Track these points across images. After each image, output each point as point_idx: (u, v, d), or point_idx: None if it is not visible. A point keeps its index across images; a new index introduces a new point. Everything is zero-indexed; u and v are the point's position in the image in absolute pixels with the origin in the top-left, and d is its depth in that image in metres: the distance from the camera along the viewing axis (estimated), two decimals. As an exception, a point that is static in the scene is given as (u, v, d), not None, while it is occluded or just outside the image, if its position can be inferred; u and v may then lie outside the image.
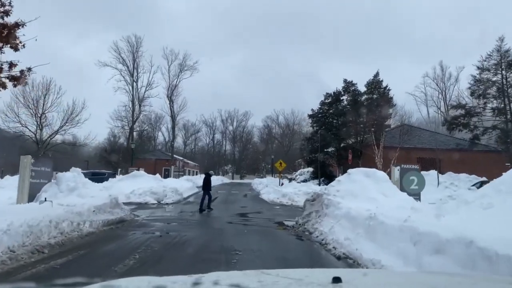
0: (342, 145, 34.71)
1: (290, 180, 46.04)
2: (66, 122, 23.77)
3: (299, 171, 45.91)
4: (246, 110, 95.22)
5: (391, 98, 33.03)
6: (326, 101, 34.88)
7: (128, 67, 51.83)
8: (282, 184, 32.18)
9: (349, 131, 33.23)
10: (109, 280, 1.52)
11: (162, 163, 56.23)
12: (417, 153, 34.82)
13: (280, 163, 31.04)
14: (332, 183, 12.84)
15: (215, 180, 52.38)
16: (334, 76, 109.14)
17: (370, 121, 32.52)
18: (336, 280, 1.42)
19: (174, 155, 64.50)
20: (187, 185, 29.21)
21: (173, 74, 53.32)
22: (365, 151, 33.59)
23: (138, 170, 26.32)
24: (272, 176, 48.75)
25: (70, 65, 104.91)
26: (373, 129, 32.41)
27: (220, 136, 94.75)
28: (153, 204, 19.56)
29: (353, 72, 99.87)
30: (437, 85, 66.22)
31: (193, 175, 62.96)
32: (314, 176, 36.29)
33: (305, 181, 36.56)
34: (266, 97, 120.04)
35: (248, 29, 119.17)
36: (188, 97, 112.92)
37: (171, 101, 53.64)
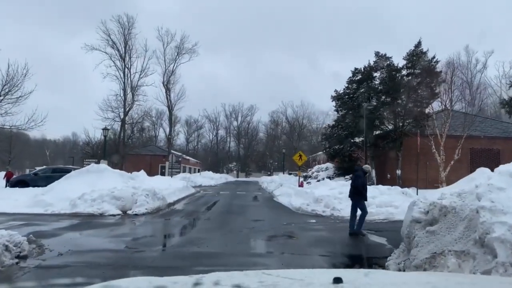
0: (375, 133, 26.83)
1: (306, 177, 38.25)
2: (3, 98, 15.81)
3: (315, 167, 38.05)
4: (252, 104, 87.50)
5: (441, 72, 25.15)
6: (355, 78, 26.99)
7: (119, 51, 43.90)
8: (302, 183, 24.38)
9: (388, 115, 25.35)
10: (110, 281, 1.42)
11: (159, 160, 48.65)
12: (468, 143, 26.94)
13: (300, 155, 23.26)
14: (493, 181, 4.98)
15: (218, 178, 44.79)
16: (341, 70, 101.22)
17: (416, 102, 24.73)
18: (337, 280, 1.36)
19: (174, 151, 56.83)
20: (179, 185, 21.47)
21: (170, 59, 45.52)
22: (408, 140, 25.67)
23: (97, 163, 18.46)
24: (283, 173, 41.05)
25: (61, 60, 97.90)
26: (417, 111, 24.61)
27: (224, 132, 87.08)
28: (113, 215, 11.85)
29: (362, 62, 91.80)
30: (462, 73, 57.93)
31: (194, 173, 55.25)
32: (340, 172, 28.44)
33: (328, 178, 28.68)
34: (273, 91, 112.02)
35: (254, 20, 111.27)
36: (190, 92, 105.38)
37: (167, 89, 45.84)
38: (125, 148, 44.06)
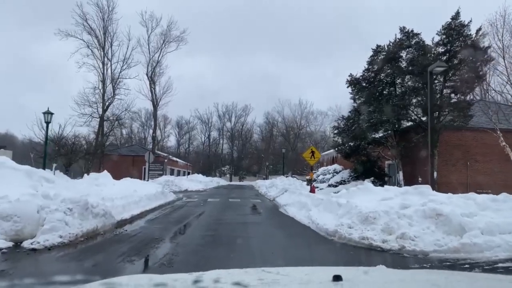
0: (402, 126, 21.01)
1: (309, 181, 32.29)
2: None
3: (321, 169, 32.14)
4: (246, 104, 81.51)
5: (488, 48, 19.48)
6: (377, 58, 21.22)
7: (97, 37, 37.91)
8: (312, 188, 18.41)
9: (420, 102, 19.54)
10: (110, 278, 1.37)
11: (142, 161, 42.40)
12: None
13: (312, 152, 17.34)
14: None
15: (208, 182, 38.57)
16: (341, 68, 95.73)
17: (457, 87, 19.11)
18: (337, 278, 1.33)
19: (161, 152, 50.54)
20: (150, 190, 15.36)
21: (155, 47, 39.50)
22: (446, 134, 19.94)
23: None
24: (286, 175, 35.04)
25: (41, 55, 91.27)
26: (460, 98, 18.98)
27: (216, 134, 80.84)
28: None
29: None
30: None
31: (183, 175, 48.97)
32: (357, 174, 22.47)
33: (343, 182, 22.77)
34: (268, 93, 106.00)
35: (249, 18, 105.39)
36: (181, 92, 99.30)
37: (151, 81, 39.75)
38: (103, 147, 37.99)
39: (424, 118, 19.80)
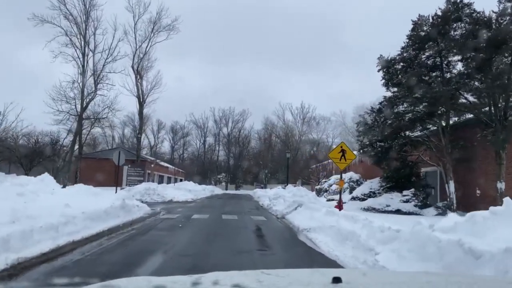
0: (452, 120, 15.64)
1: (320, 192, 26.79)
2: None
3: (333, 178, 26.66)
4: (244, 109, 76.13)
5: None
6: (420, 31, 15.84)
7: (77, 25, 32.35)
8: (340, 203, 12.79)
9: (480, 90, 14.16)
10: (109, 280, 1.30)
11: (126, 166, 36.82)
12: None
13: (342, 151, 11.86)
14: None
15: (199, 191, 32.96)
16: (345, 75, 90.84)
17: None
18: (336, 280, 1.26)
19: (148, 157, 44.95)
20: (96, 204, 9.77)
21: (143, 36, 34.09)
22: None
23: None
24: (295, 184, 29.37)
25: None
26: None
27: (212, 140, 75.28)
28: None
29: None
30: None
31: (174, 182, 43.28)
32: (390, 184, 16.85)
33: (372, 194, 17.23)
34: (267, 98, 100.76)
35: (250, 22, 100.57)
36: (176, 96, 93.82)
37: (138, 74, 34.23)
38: (81, 149, 32.44)
39: (487, 108, 14.41)
